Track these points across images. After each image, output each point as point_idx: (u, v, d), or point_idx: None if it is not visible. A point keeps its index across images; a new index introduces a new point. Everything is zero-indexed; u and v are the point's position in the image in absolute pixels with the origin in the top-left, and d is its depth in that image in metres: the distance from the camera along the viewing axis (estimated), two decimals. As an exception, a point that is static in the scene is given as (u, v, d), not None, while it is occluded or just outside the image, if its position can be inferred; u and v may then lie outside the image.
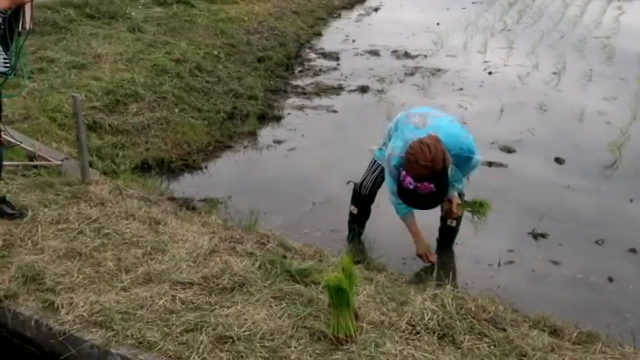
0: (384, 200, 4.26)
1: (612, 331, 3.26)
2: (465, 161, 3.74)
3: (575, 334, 3.02)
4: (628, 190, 5.18)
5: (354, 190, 4.35)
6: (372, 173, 4.21)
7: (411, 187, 3.46)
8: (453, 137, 3.63)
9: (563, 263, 4.22)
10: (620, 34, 10.30)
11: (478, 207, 3.94)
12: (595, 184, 5.32)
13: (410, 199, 3.63)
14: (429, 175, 3.42)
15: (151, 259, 3.34)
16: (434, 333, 2.83)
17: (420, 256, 4.03)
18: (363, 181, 4.26)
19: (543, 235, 4.53)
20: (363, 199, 4.30)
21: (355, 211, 4.38)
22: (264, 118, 6.71)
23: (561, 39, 10.06)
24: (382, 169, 4.15)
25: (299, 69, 8.61)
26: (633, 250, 4.36)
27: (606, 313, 3.69)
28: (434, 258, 4.03)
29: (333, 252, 3.87)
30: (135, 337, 2.74)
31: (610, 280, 4.04)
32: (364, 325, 2.85)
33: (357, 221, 4.39)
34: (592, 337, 3.03)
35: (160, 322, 2.82)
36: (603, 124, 6.56)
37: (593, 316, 3.57)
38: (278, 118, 6.75)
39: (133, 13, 8.88)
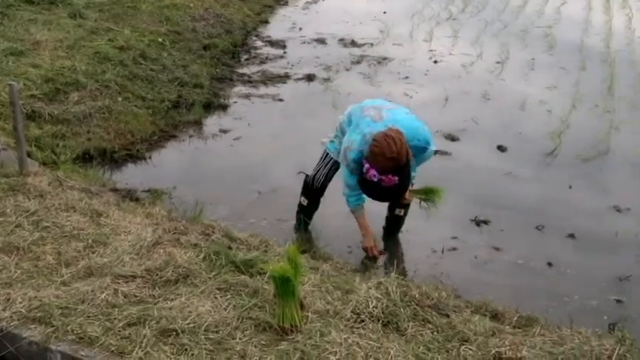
0: (332, 191, 4.28)
1: (551, 314, 3.36)
2: (420, 152, 3.78)
3: (516, 318, 3.10)
4: (567, 177, 5.33)
5: (306, 182, 4.34)
6: (325, 166, 4.21)
7: (375, 179, 3.46)
8: (412, 130, 3.66)
9: (504, 249, 4.32)
10: (562, 24, 10.54)
11: (430, 194, 3.97)
12: (536, 172, 5.45)
13: (373, 192, 3.64)
14: (393, 168, 3.44)
15: (93, 253, 3.27)
16: (378, 320, 2.86)
17: (365, 249, 4.05)
18: (316, 174, 4.25)
19: (486, 222, 4.63)
20: (314, 191, 4.30)
21: (305, 203, 4.38)
22: (209, 107, 6.62)
23: (505, 28, 10.24)
24: (334, 162, 4.16)
25: (245, 57, 8.53)
26: (572, 236, 4.49)
27: (545, 297, 3.79)
28: (377, 253, 4.04)
29: (279, 242, 3.86)
30: (75, 332, 2.68)
31: (549, 264, 4.16)
32: (309, 314, 2.85)
33: (306, 212, 4.39)
34: (531, 320, 3.11)
35: (101, 317, 2.77)
36: (544, 113, 6.72)
37: (532, 300, 3.67)
38: (224, 107, 6.68)
39: (74, -1, 8.62)
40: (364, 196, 3.87)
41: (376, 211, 4.32)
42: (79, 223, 3.55)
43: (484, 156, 5.72)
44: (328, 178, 4.23)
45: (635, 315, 3.65)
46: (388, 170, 3.44)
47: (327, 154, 4.21)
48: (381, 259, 4.11)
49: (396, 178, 3.46)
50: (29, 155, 4.71)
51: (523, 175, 5.39)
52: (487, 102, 7.06)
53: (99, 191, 4.19)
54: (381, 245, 4.14)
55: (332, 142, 4.19)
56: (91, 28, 7.58)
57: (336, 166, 4.18)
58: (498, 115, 6.67)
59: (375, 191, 3.59)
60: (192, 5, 9.57)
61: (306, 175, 4.35)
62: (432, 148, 3.84)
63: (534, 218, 4.68)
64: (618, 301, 3.81)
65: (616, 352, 2.70)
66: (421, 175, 4.40)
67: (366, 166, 3.49)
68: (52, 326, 2.71)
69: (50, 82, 5.93)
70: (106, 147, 5.41)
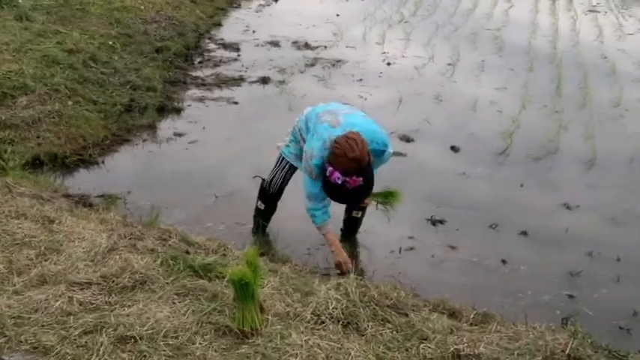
0: (289, 194, 4.27)
1: (506, 310, 3.45)
2: (379, 154, 3.79)
3: (472, 316, 3.17)
4: (519, 176, 5.45)
5: (262, 187, 4.31)
6: (281, 170, 4.18)
7: (339, 181, 3.46)
8: (370, 133, 3.67)
9: (460, 248, 4.39)
10: (510, 27, 10.77)
11: (388, 197, 3.98)
12: (488, 171, 5.55)
13: (338, 195, 3.63)
14: (357, 169, 3.44)
15: (45, 260, 3.19)
16: (338, 321, 2.88)
17: (337, 265, 3.91)
18: (273, 178, 4.22)
19: (441, 222, 4.69)
20: (271, 195, 4.28)
21: (262, 207, 4.35)
22: (163, 111, 6.53)
23: (455, 31, 10.41)
24: (290, 166, 4.15)
25: (199, 60, 8.45)
26: (524, 233, 4.59)
27: (500, 293, 3.87)
28: (349, 267, 3.85)
29: (237, 245, 3.86)
30: (29, 342, 2.60)
31: (503, 262, 4.24)
32: (270, 317, 2.85)
33: (263, 216, 4.37)
34: (488, 317, 3.19)
35: (56, 325, 2.70)
36: (495, 113, 6.85)
37: (488, 297, 3.75)
38: (178, 110, 6.60)
39: (19, 1, 8.38)
40: (329, 210, 3.88)
41: (333, 214, 4.35)
42: (31, 230, 3.46)
43: (438, 156, 5.80)
44: (285, 181, 4.22)
45: (586, 309, 3.75)
46: (352, 171, 3.44)
47: (283, 158, 4.19)
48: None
49: (361, 179, 3.47)
50: (-24, 162, 4.58)
51: (476, 174, 5.48)
52: (440, 103, 7.16)
53: (51, 197, 4.10)
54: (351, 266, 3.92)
55: (287, 146, 4.17)
56: (39, 31, 7.39)
57: (292, 169, 4.18)
58: (451, 116, 6.78)
59: (340, 194, 3.58)
60: (142, 8, 9.43)
61: (263, 180, 4.32)
62: (390, 150, 3.87)
63: (488, 217, 4.77)
64: (570, 296, 3.91)
65: (569, 345, 2.77)
66: (377, 177, 4.42)
67: (329, 169, 3.49)
68: (5, 336, 2.62)
69: (-4, 87, 5.76)
70: (57, 152, 5.28)
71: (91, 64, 6.91)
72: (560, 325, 3.36)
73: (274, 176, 4.21)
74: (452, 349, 2.73)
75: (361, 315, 2.91)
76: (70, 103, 5.98)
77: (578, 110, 7.03)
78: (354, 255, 4.22)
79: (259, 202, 4.36)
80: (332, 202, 3.84)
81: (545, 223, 4.74)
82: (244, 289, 2.66)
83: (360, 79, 7.84)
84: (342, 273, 3.81)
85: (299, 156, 4.06)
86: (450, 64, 8.50)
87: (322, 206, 3.85)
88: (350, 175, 3.45)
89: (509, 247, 4.41)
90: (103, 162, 5.40)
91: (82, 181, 5.00)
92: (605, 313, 3.74)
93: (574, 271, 4.14)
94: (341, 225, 4.42)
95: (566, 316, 3.60)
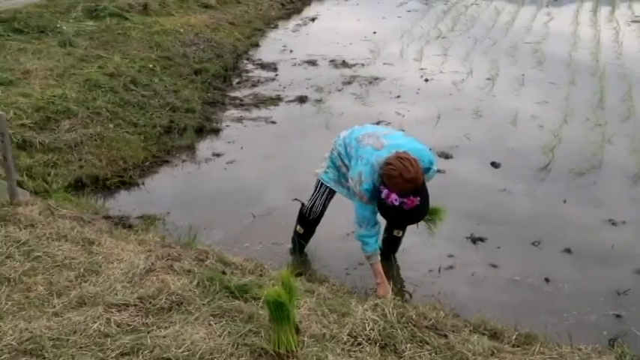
0: (329, 212, 4.23)
1: (550, 331, 3.35)
2: (425, 172, 3.70)
3: (515, 337, 3.08)
4: (561, 192, 5.32)
5: (302, 212, 4.29)
6: (321, 197, 4.14)
7: (397, 203, 3.40)
8: (417, 152, 3.62)
9: (501, 266, 4.29)
10: (550, 40, 10.63)
11: (432, 214, 3.90)
12: (530, 187, 5.44)
13: (396, 217, 3.60)
14: (413, 189, 3.39)
15: (84, 282, 3.23)
16: (375, 343, 2.83)
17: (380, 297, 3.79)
18: (313, 205, 4.19)
19: (482, 239, 4.60)
20: (311, 222, 4.26)
21: (302, 232, 4.34)
22: (202, 131, 6.61)
23: (494, 45, 10.31)
24: (330, 191, 4.13)
25: (237, 80, 8.55)
26: (568, 250, 4.46)
27: (544, 313, 3.76)
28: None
29: (274, 265, 3.85)
30: (68, 364, 2.63)
31: (547, 280, 4.13)
32: (305, 338, 2.81)
33: (302, 239, 4.36)
34: (530, 338, 3.09)
35: (94, 347, 2.72)
36: (536, 128, 6.73)
37: (531, 317, 3.64)
38: (216, 131, 6.67)
39: (64, 27, 8.65)
40: (379, 236, 3.84)
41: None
42: (71, 252, 3.51)
43: (478, 172, 5.71)
44: (325, 207, 4.19)
45: (634, 329, 3.61)
46: (409, 192, 3.39)
47: (322, 183, 4.14)
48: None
49: (418, 198, 3.41)
50: (20, 185, 4.68)
51: (517, 190, 5.38)
52: (479, 118, 7.07)
53: (91, 219, 4.16)
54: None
55: (325, 172, 4.12)
56: (81, 56, 7.60)
57: (331, 194, 4.15)
58: (490, 131, 6.68)
59: (398, 215, 3.53)
60: (182, 31, 9.61)
61: (302, 205, 4.30)
62: (435, 167, 3.82)
63: (530, 234, 4.66)
64: (617, 315, 3.77)
65: (617, 368, 2.66)
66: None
67: (385, 191, 3.43)
68: (44, 358, 2.65)
69: (41, 111, 5.91)
70: (99, 174, 5.38)
71: (131, 87, 7.06)
72: (606, 347, 3.27)
73: (314, 203, 4.19)
74: (493, 371, 2.66)
75: (399, 336, 2.86)
76: (111, 125, 6.11)
77: (622, 123, 6.85)
78: (392, 274, 4.16)
79: (298, 227, 4.35)
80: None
81: (590, 239, 4.61)
82: (279, 311, 2.63)
83: (398, 96, 7.81)
84: None
85: (338, 181, 4.04)
86: (489, 79, 8.40)
87: (374, 233, 3.80)
88: (407, 195, 3.39)
89: (552, 265, 4.29)
90: (143, 183, 5.48)
91: (123, 202, 5.08)
92: (654, 334, 3.59)
93: (621, 289, 4.00)
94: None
95: (613, 337, 3.48)
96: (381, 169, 3.51)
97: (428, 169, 3.71)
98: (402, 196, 3.39)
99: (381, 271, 3.84)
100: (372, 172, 3.58)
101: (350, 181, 3.77)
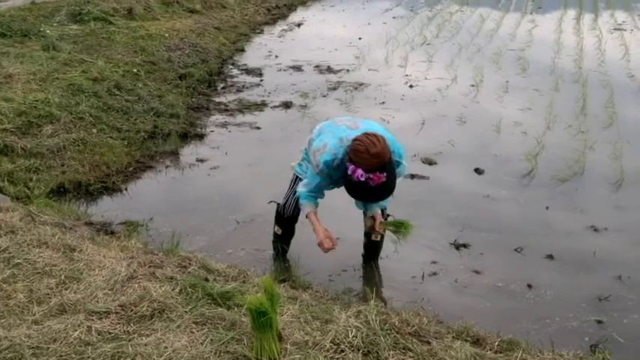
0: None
1: (532, 337, 3.36)
2: (395, 166, 3.71)
3: (497, 343, 3.08)
4: (544, 198, 5.35)
5: (277, 211, 4.29)
6: (294, 194, 4.11)
7: (363, 179, 3.39)
8: (390, 141, 3.60)
9: (484, 272, 4.30)
10: (534, 47, 10.72)
11: (400, 227, 3.89)
12: (513, 193, 5.47)
13: (362, 193, 3.56)
14: (379, 164, 3.38)
15: (65, 289, 3.19)
16: (358, 350, 2.81)
17: (320, 244, 3.83)
18: (286, 202, 4.19)
19: (465, 246, 4.61)
20: (287, 219, 4.24)
21: (280, 232, 4.32)
22: (186, 137, 6.59)
23: (478, 52, 10.37)
24: None
25: (222, 86, 8.53)
26: (550, 257, 4.48)
27: (526, 319, 3.77)
28: (333, 244, 3.81)
29: (257, 272, 3.83)
30: (47, 372, 2.60)
31: (529, 286, 4.14)
32: (288, 346, 2.79)
33: (282, 241, 4.34)
34: (513, 344, 3.09)
35: (74, 356, 2.68)
36: (520, 135, 6.77)
37: (514, 323, 3.66)
38: (201, 136, 6.65)
39: (47, 31, 8.61)
40: (318, 200, 3.87)
41: (352, 241, 4.33)
42: (52, 259, 3.47)
43: (462, 179, 5.74)
44: (299, 204, 4.18)
45: (616, 335, 3.63)
46: (375, 167, 3.38)
47: (296, 177, 4.14)
48: (360, 288, 4.06)
49: (384, 174, 3.40)
50: (1, 190, 4.65)
51: (501, 196, 5.40)
52: (463, 125, 7.10)
53: (73, 225, 4.12)
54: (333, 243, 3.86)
55: (300, 164, 4.14)
56: (65, 60, 7.55)
57: None
58: (474, 137, 6.72)
59: (364, 192, 3.51)
60: (167, 35, 9.59)
61: (277, 204, 4.30)
62: (405, 164, 3.80)
63: (513, 240, 4.67)
64: (599, 321, 3.79)
65: (598, 374, 2.67)
66: (400, 200, 4.37)
67: (351, 167, 3.43)
68: (24, 367, 2.62)
69: (23, 116, 5.86)
70: (81, 180, 5.34)
71: (115, 92, 7.02)
72: (588, 352, 3.28)
73: (287, 199, 4.18)
74: (475, 378, 2.66)
75: (382, 343, 2.85)
76: (94, 130, 6.06)
77: (604, 130, 6.91)
78: (375, 281, 4.16)
79: (276, 227, 4.33)
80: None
81: (572, 246, 4.63)
82: (262, 318, 2.62)
83: (383, 102, 7.84)
84: (325, 251, 3.81)
85: None
86: (473, 86, 8.45)
87: (313, 196, 3.84)
88: (373, 171, 3.38)
89: (535, 272, 4.31)
90: (126, 189, 5.44)
91: (105, 208, 5.03)
92: (636, 340, 3.60)
93: (603, 295, 4.02)
94: (361, 251, 4.37)
95: (595, 343, 3.50)
96: (348, 146, 3.52)
97: (398, 164, 3.69)
98: (368, 171, 3.38)
99: (314, 220, 3.84)
100: (338, 145, 3.59)
101: (312, 150, 3.76)
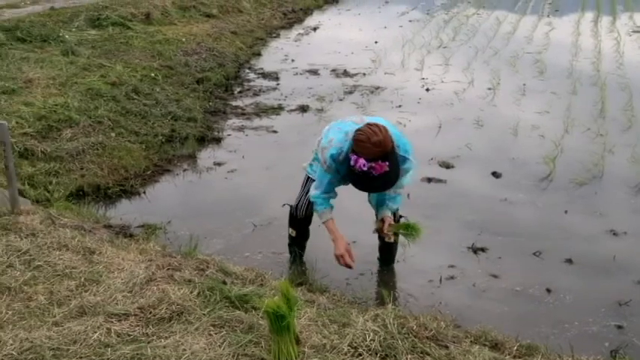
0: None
1: (551, 342, 3.34)
2: (401, 162, 3.64)
3: (516, 348, 3.06)
4: (563, 202, 5.31)
5: (290, 213, 4.30)
6: (306, 194, 4.11)
7: (365, 168, 3.39)
8: (396, 136, 3.60)
9: (502, 276, 4.27)
10: (551, 50, 10.66)
11: (409, 229, 3.87)
12: (531, 197, 5.43)
13: (364, 183, 3.55)
14: (381, 153, 3.38)
15: (85, 291, 3.22)
16: (376, 354, 2.81)
17: (337, 257, 3.86)
18: (298, 203, 4.20)
19: (483, 249, 4.59)
20: (299, 221, 4.24)
21: (294, 234, 4.33)
22: (203, 140, 6.63)
23: (495, 55, 10.33)
24: None
25: (238, 89, 8.57)
26: (569, 261, 4.45)
27: (545, 324, 3.74)
28: (351, 262, 3.84)
29: (274, 275, 3.84)
30: (68, 374, 2.62)
31: (548, 291, 4.11)
32: (306, 349, 2.80)
33: (297, 243, 4.35)
34: (532, 349, 3.07)
35: (94, 357, 2.70)
36: (537, 138, 6.73)
37: (532, 328, 3.64)
38: (218, 140, 6.68)
39: (66, 36, 8.69)
40: (332, 201, 3.87)
41: (367, 244, 4.33)
42: (72, 261, 3.50)
43: (479, 182, 5.71)
44: (311, 205, 4.13)
45: (636, 340, 3.59)
46: (377, 156, 3.38)
47: (308, 178, 4.15)
48: (377, 291, 4.06)
49: (386, 163, 3.39)
50: (22, 194, 4.69)
51: (518, 200, 5.37)
52: (480, 128, 7.08)
53: (92, 228, 4.16)
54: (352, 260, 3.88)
55: (310, 165, 4.14)
56: (84, 65, 7.63)
57: None
58: (492, 141, 6.69)
59: (367, 181, 3.50)
60: (184, 40, 9.65)
61: (290, 206, 4.31)
62: (413, 160, 3.76)
63: (531, 244, 4.64)
64: (619, 326, 3.75)
65: (618, 379, 2.65)
66: (417, 203, 4.40)
67: (354, 157, 3.43)
68: (44, 368, 2.65)
69: (43, 120, 5.93)
70: (100, 183, 5.39)
71: (133, 96, 7.08)
72: (608, 358, 3.26)
73: (300, 200, 4.19)
74: (494, 383, 2.65)
75: (399, 347, 2.84)
76: (112, 134, 6.12)
77: (623, 133, 6.86)
78: (391, 284, 4.16)
79: (290, 230, 4.34)
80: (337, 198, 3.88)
81: (592, 250, 4.60)
82: (279, 322, 2.63)
83: (399, 106, 7.83)
84: (346, 266, 3.84)
85: None
86: (490, 89, 8.42)
87: (326, 197, 3.84)
88: (375, 160, 3.38)
89: (553, 276, 4.28)
90: (144, 192, 5.48)
91: (124, 211, 5.07)
92: (656, 345, 3.58)
93: (622, 300, 3.98)
94: (377, 255, 4.37)
95: (615, 348, 3.47)
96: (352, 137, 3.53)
97: (404, 159, 3.67)
98: (370, 160, 3.38)
99: (333, 229, 3.86)
100: (344, 139, 3.60)
101: (320, 148, 3.78)
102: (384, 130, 3.43)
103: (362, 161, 3.39)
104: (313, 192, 3.88)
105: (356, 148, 3.45)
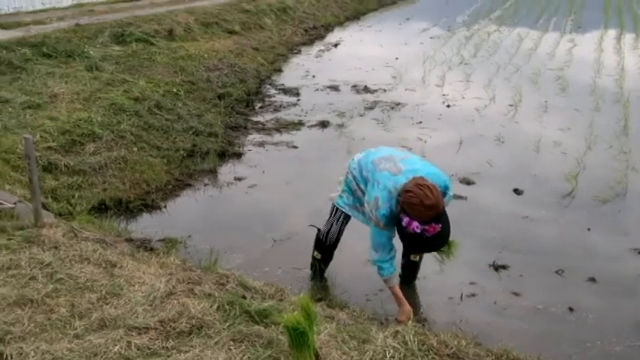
0: (348, 237, 4.23)
1: (574, 361, 3.28)
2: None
3: (538, 367, 3.02)
4: (585, 219, 5.25)
5: (318, 238, 4.29)
6: (337, 222, 4.13)
7: (419, 231, 3.38)
8: (434, 176, 3.59)
9: (524, 294, 4.23)
10: (573, 66, 10.60)
11: (446, 246, 3.88)
12: (553, 214, 5.38)
13: (418, 245, 3.57)
14: (434, 216, 3.36)
15: (106, 304, 3.24)
16: (396, 371, 2.79)
17: (400, 322, 3.75)
18: (329, 231, 4.18)
19: (504, 267, 4.55)
20: (328, 247, 4.26)
21: (319, 257, 4.34)
22: (224, 155, 6.67)
23: (516, 72, 10.29)
24: (345, 216, 4.12)
25: (259, 105, 8.62)
26: (592, 279, 4.39)
27: (567, 343, 3.70)
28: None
29: (294, 290, 3.82)
30: (88, 386, 2.63)
31: (570, 310, 4.06)
32: (325, 365, 2.79)
33: (321, 263, 4.35)
34: (554, 368, 3.03)
35: (114, 370, 2.73)
36: (559, 155, 6.68)
37: (554, 346, 3.59)
38: (238, 155, 6.72)
39: (91, 52, 8.81)
40: (395, 262, 3.81)
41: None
42: (93, 274, 3.53)
43: (500, 199, 5.67)
44: (341, 232, 4.19)
45: (661, 361, 3.53)
46: (430, 219, 3.36)
47: (337, 208, 4.14)
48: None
49: (439, 225, 3.39)
50: (45, 207, 4.74)
51: (540, 217, 5.32)
52: (501, 145, 7.04)
53: (114, 241, 4.18)
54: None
55: (340, 196, 4.11)
56: (107, 80, 7.73)
57: (347, 219, 4.14)
58: (513, 157, 6.65)
59: (420, 243, 3.49)
60: (206, 56, 9.74)
61: (318, 230, 4.29)
62: (451, 193, 3.79)
63: (553, 262, 4.59)
64: (643, 346, 3.70)
65: (643, 401, 2.60)
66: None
67: (406, 219, 3.41)
68: (65, 381, 2.66)
69: (67, 134, 6.01)
70: (122, 197, 5.44)
71: (155, 111, 7.15)
72: (632, 379, 3.19)
73: (330, 229, 4.18)
74: (515, 402, 2.61)
75: (420, 364, 2.82)
76: (135, 149, 6.18)
77: (647, 150, 6.78)
78: (413, 302, 4.12)
79: (316, 252, 4.34)
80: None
81: (615, 268, 4.54)
82: (299, 337, 2.62)
83: (420, 122, 7.82)
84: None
85: (353, 206, 4.02)
86: (511, 105, 8.38)
87: (390, 258, 3.77)
88: (428, 223, 3.37)
89: (576, 294, 4.23)
90: (165, 206, 5.51)
91: (145, 225, 5.10)
92: (682, 366, 3.51)
93: (647, 320, 3.92)
94: (399, 271, 4.34)
95: (640, 369, 3.41)
96: (399, 195, 3.49)
97: (444, 194, 3.66)
98: (423, 223, 3.37)
99: (400, 294, 3.81)
100: (389, 197, 3.56)
101: (366, 205, 3.75)
102: (436, 191, 3.38)
103: (415, 224, 3.38)
104: (375, 256, 3.77)
105: (408, 210, 3.41)
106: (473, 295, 4.22)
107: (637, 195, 5.69)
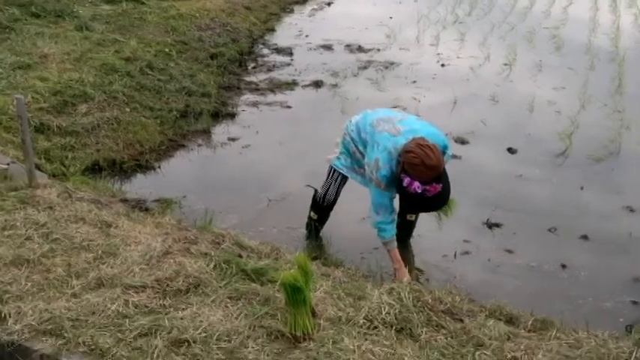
0: (343, 198, 4.25)
1: (566, 317, 3.32)
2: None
3: (531, 322, 3.06)
4: (579, 178, 5.28)
5: (315, 199, 4.30)
6: (335, 183, 4.15)
7: (420, 191, 3.39)
8: (432, 136, 3.59)
9: (517, 252, 4.27)
10: (569, 25, 10.50)
11: (446, 206, 3.89)
12: (547, 173, 5.40)
13: (418, 205, 3.61)
14: (435, 176, 3.38)
15: (102, 264, 3.25)
16: (391, 327, 2.83)
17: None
18: (326, 192, 4.20)
19: (498, 225, 4.59)
20: (325, 208, 4.27)
21: (315, 217, 4.36)
22: (217, 116, 6.62)
23: (511, 30, 10.20)
24: (343, 177, 4.13)
25: (252, 65, 8.53)
26: (585, 237, 4.44)
27: (560, 299, 3.75)
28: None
29: (289, 249, 3.85)
30: (87, 344, 2.65)
31: (563, 267, 4.11)
32: (322, 322, 2.82)
33: (316, 224, 4.37)
34: (547, 323, 3.07)
35: (112, 328, 2.75)
36: (553, 114, 6.67)
37: (547, 303, 3.64)
38: (232, 116, 6.68)
39: (80, 12, 8.66)
40: (395, 224, 3.83)
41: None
42: (89, 234, 3.53)
43: (494, 158, 5.68)
44: (338, 194, 4.20)
45: (651, 316, 3.59)
46: (431, 179, 3.38)
47: (334, 170, 4.15)
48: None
49: (440, 185, 3.40)
50: (39, 168, 4.72)
51: (534, 176, 5.34)
52: (496, 104, 7.02)
53: (108, 202, 4.18)
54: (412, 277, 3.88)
55: (338, 158, 4.12)
56: (98, 40, 7.61)
57: (344, 181, 4.15)
58: (507, 117, 6.64)
59: (421, 203, 3.52)
60: (198, 15, 9.59)
61: (315, 191, 4.30)
62: (450, 152, 3.80)
63: (547, 220, 4.63)
64: (634, 302, 3.76)
65: (634, 354, 2.66)
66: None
67: (407, 180, 3.42)
68: (64, 338, 2.69)
69: (58, 95, 5.93)
70: (115, 158, 5.41)
71: (147, 71, 7.06)
72: (624, 333, 3.24)
73: (327, 190, 4.19)
74: (509, 356, 2.66)
75: (415, 320, 2.86)
76: (127, 109, 6.12)
77: (641, 109, 6.78)
78: (408, 259, 4.16)
79: (312, 213, 4.37)
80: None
81: (607, 226, 4.58)
82: (296, 294, 2.64)
83: (414, 81, 7.77)
84: None
85: (352, 168, 4.03)
86: (506, 64, 8.33)
87: (391, 220, 3.79)
88: (429, 183, 3.38)
89: (569, 252, 4.28)
90: (159, 167, 5.50)
91: (139, 185, 5.10)
92: (672, 321, 3.57)
93: (638, 276, 3.98)
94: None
95: (630, 324, 3.47)
96: (399, 156, 3.49)
97: (443, 153, 3.67)
98: (424, 183, 3.38)
99: (399, 257, 3.84)
100: (389, 158, 3.56)
101: (366, 167, 3.75)
102: (437, 151, 3.39)
103: (416, 184, 3.39)
104: (377, 217, 3.78)
105: (409, 170, 3.41)
106: (467, 252, 4.26)
107: (630, 154, 5.72)
